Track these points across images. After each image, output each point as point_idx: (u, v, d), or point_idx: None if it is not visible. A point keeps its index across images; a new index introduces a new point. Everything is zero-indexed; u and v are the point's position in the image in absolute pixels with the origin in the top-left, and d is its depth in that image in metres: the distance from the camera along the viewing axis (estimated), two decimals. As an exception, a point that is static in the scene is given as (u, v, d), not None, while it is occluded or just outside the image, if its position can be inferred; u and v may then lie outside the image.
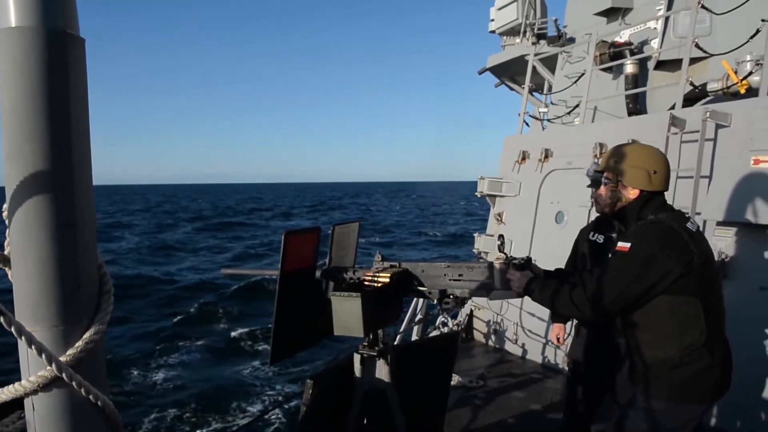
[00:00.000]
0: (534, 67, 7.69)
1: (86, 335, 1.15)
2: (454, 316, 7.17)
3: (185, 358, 13.58)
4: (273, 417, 9.76)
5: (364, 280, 2.73)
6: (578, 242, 3.92)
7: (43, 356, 1.07)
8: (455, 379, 5.49)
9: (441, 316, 6.73)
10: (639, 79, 6.61)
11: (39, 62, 1.05)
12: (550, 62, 8.36)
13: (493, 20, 9.55)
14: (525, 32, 8.90)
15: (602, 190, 2.61)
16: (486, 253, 7.41)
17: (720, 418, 4.28)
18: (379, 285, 2.68)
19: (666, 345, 2.37)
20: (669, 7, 6.53)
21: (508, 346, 6.77)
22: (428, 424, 3.38)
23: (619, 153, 2.56)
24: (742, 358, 3.94)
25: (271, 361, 2.63)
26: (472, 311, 7.36)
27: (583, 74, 6.95)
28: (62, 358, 1.11)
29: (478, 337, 7.29)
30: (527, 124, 8.43)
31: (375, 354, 2.79)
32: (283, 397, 10.69)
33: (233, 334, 15.39)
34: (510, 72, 9.85)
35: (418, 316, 7.00)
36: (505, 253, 2.65)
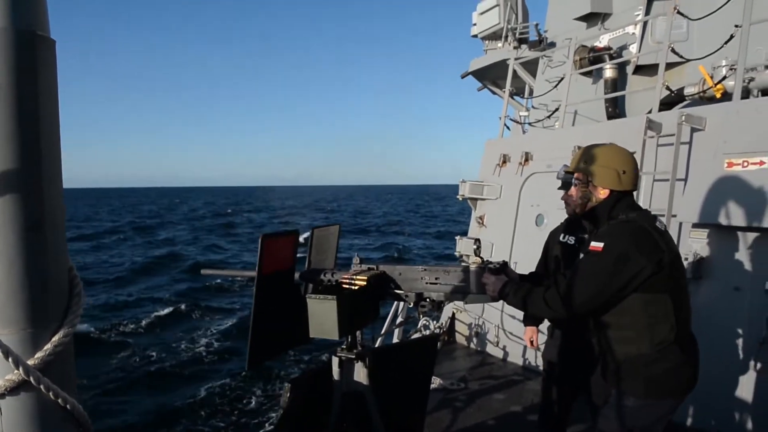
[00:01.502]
0: (515, 71, 7.77)
1: (55, 338, 1.14)
2: (436, 319, 7.20)
3: (162, 356, 13.39)
4: (252, 421, 9.70)
5: (342, 282, 2.73)
6: (549, 244, 3.92)
7: (10, 360, 1.05)
8: (436, 381, 5.51)
9: (422, 319, 6.74)
10: (618, 83, 6.70)
11: (7, 64, 1.04)
12: (531, 66, 8.45)
13: (475, 24, 9.64)
14: (507, 37, 9.00)
15: (573, 191, 2.65)
16: (467, 255, 7.45)
17: (694, 418, 4.34)
18: (356, 287, 2.68)
19: (638, 342, 2.40)
20: (647, 13, 6.63)
21: (490, 349, 6.82)
22: (408, 426, 3.39)
23: (588, 154, 2.60)
24: (716, 357, 4.01)
25: (248, 366, 2.60)
26: (453, 314, 7.40)
27: (563, 78, 7.02)
28: (30, 362, 1.09)
29: (460, 339, 7.33)
30: (508, 127, 8.51)
31: (353, 357, 2.78)
32: (262, 400, 10.61)
33: (212, 331, 15.29)
34: (492, 76, 9.95)
35: (399, 319, 7.02)
36: (481, 257, 2.67)
